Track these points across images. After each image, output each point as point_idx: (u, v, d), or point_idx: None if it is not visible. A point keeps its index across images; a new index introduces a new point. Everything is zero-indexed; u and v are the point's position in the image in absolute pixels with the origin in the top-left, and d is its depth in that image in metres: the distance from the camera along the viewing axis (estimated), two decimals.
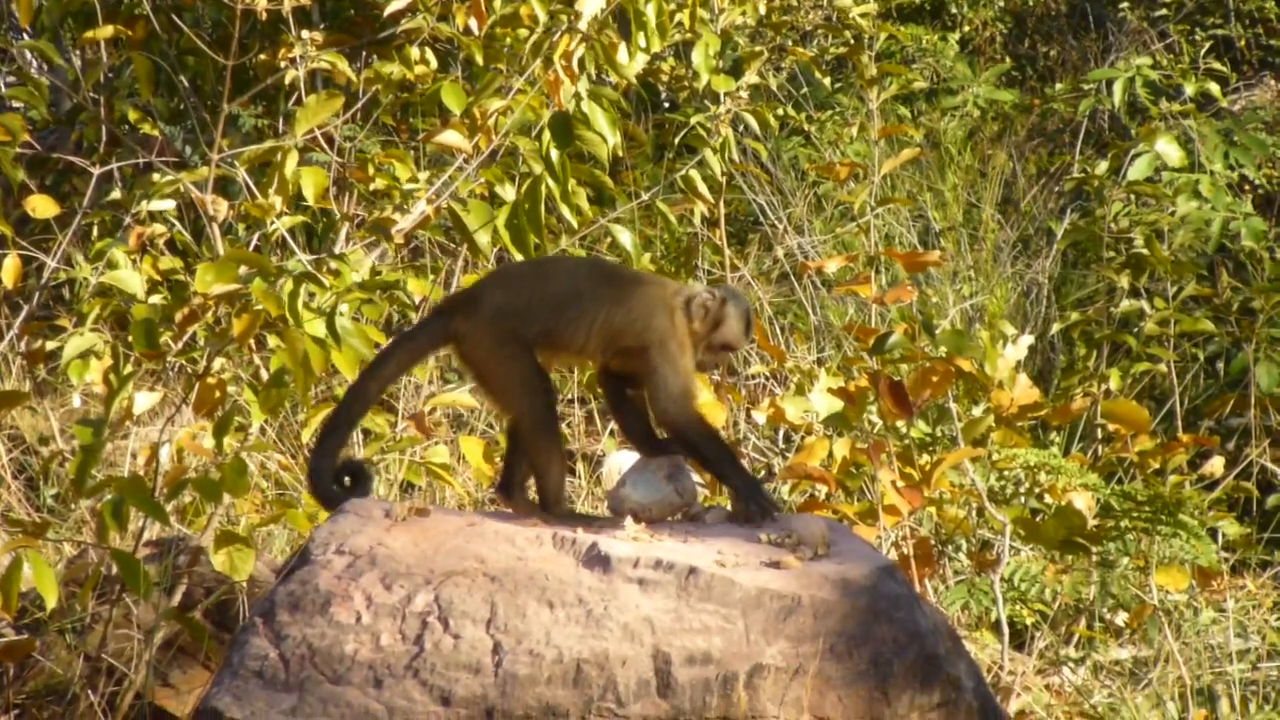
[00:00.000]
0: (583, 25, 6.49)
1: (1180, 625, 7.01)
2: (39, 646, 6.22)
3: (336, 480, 4.90)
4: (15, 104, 7.44)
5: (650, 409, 4.92)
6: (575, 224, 6.76)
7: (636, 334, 4.89)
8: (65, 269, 6.89)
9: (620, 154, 6.92)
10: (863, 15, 8.61)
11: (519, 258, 6.37)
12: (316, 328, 5.66)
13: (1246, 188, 10.82)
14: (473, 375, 5.02)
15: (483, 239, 6.32)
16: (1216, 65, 9.88)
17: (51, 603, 5.42)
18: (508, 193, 6.38)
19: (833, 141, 11.14)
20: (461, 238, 6.44)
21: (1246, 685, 6.70)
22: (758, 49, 8.40)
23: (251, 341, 6.22)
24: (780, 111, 10.05)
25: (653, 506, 4.87)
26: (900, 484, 6.77)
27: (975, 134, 12.06)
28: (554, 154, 6.36)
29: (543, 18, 6.54)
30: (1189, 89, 9.53)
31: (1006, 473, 7.24)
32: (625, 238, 6.95)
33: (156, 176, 6.42)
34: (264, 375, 6.41)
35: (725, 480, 4.94)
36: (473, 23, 6.85)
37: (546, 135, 6.40)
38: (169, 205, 6.51)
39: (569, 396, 8.95)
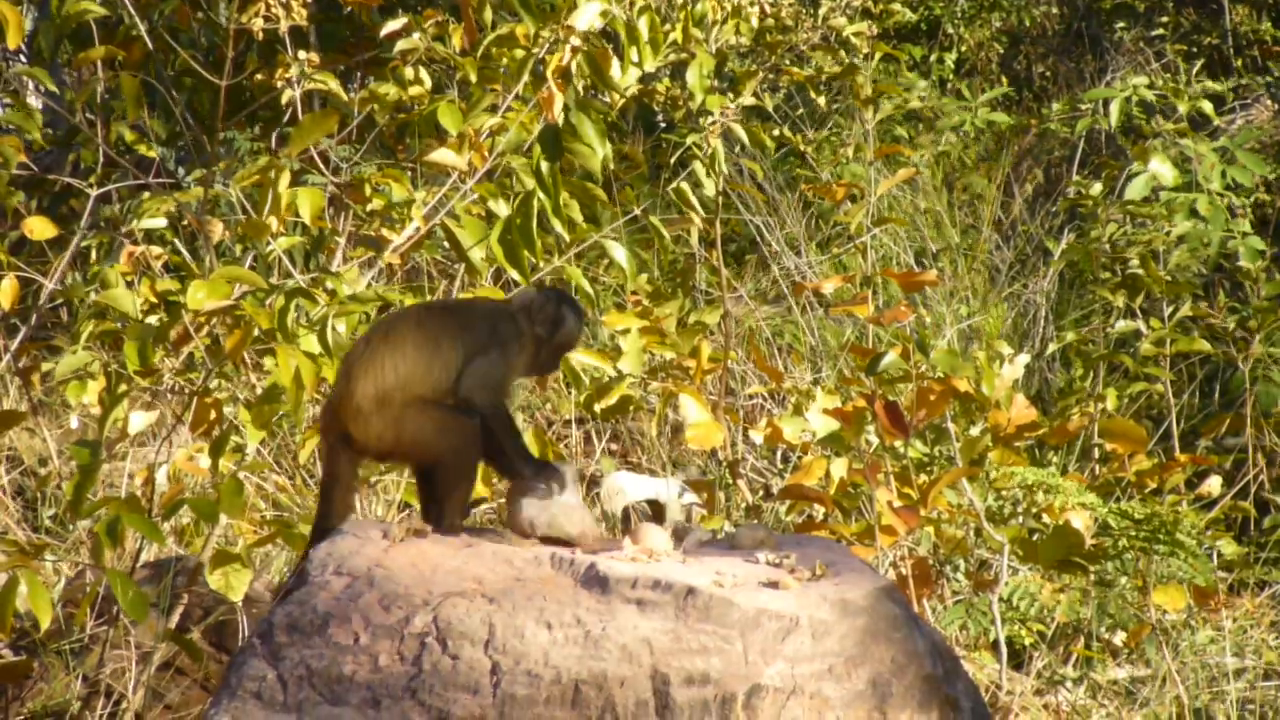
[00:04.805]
0: (574, 40, 6.48)
1: (1178, 645, 7.00)
2: (37, 667, 6.20)
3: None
4: (9, 127, 7.42)
5: (457, 386, 4.82)
6: (568, 237, 6.75)
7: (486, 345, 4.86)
8: (62, 289, 6.88)
9: (611, 166, 6.92)
10: (856, 35, 8.61)
11: (514, 274, 6.36)
12: (310, 343, 5.64)
13: (1243, 210, 10.82)
14: (394, 460, 5.01)
15: (477, 256, 6.32)
16: (1210, 84, 9.88)
17: (45, 623, 5.38)
18: (502, 209, 6.37)
19: (830, 162, 11.15)
20: (457, 256, 6.44)
21: (1244, 705, 6.69)
22: (752, 68, 8.40)
23: (249, 361, 6.21)
24: (776, 131, 10.06)
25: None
26: (898, 504, 6.77)
27: (970, 154, 12.06)
28: (544, 167, 6.35)
29: (533, 34, 6.53)
30: (1181, 107, 9.54)
31: (1004, 492, 7.23)
32: (619, 253, 6.95)
33: (148, 196, 6.41)
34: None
35: (517, 457, 4.85)
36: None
37: (537, 149, 6.41)
38: (161, 224, 6.49)
39: (566, 417, 8.95)
